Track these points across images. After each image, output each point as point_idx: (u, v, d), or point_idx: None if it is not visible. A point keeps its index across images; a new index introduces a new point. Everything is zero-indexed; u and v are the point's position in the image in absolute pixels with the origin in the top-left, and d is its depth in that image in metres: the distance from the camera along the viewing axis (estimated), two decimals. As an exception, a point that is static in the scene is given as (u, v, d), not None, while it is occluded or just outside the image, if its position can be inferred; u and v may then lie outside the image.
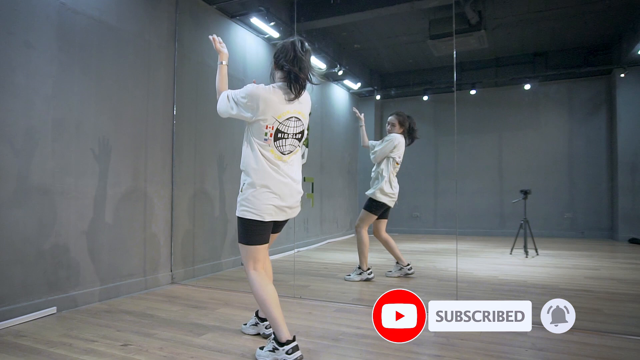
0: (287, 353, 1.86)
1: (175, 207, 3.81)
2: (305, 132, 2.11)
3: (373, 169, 4.01)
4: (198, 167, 4.13)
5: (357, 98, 7.74)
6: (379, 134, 4.21)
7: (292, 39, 2.03)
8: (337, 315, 2.77)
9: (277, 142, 2.00)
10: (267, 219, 2.01)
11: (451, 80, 6.07)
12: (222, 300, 3.17)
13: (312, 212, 6.19)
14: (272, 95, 1.97)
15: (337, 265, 4.52)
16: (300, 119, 2.05)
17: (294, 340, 1.90)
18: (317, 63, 6.10)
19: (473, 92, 6.90)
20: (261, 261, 2.09)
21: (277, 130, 1.98)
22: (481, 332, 2.38)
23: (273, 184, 2.00)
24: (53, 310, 2.77)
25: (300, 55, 1.97)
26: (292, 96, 1.99)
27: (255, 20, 4.69)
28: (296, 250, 5.58)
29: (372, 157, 3.99)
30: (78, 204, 2.97)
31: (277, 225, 2.19)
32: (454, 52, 4.30)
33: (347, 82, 6.98)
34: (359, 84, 7.09)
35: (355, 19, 5.14)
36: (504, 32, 6.07)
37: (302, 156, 5.96)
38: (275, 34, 5.07)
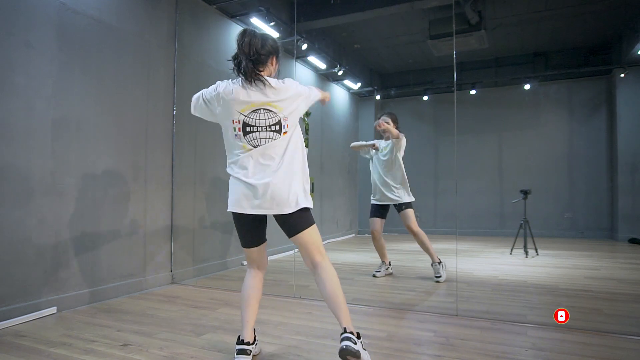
0: (235, 351, 1.95)
1: (175, 207, 3.81)
2: (286, 122, 1.94)
3: (394, 170, 3.97)
4: (198, 167, 4.13)
5: (357, 98, 7.74)
6: (379, 135, 4.19)
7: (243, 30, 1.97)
8: (337, 315, 2.77)
9: (248, 136, 1.93)
10: (231, 209, 1.96)
11: (451, 80, 6.05)
12: (222, 300, 3.17)
13: (312, 212, 6.18)
14: (231, 89, 1.96)
15: (337, 265, 4.52)
16: (271, 110, 1.93)
17: (243, 343, 1.95)
18: (317, 63, 6.11)
19: (473, 92, 6.90)
20: (254, 261, 2.09)
21: (245, 124, 1.93)
22: (481, 332, 2.38)
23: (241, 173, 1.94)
24: (53, 310, 2.77)
25: (239, 45, 1.93)
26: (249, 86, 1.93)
27: (255, 20, 4.69)
28: (296, 250, 5.58)
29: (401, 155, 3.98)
30: (78, 204, 2.97)
31: (257, 222, 2.01)
32: (454, 52, 4.28)
33: (347, 82, 6.98)
34: (359, 84, 7.09)
35: (355, 19, 5.14)
36: (504, 32, 6.07)
37: (302, 156, 5.99)
38: (275, 34, 5.06)
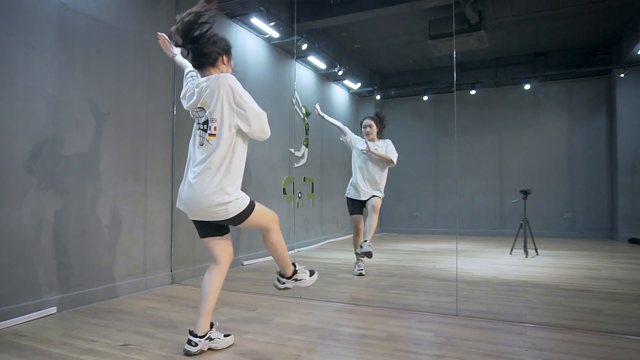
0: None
1: (175, 207, 3.81)
2: (214, 124, 1.96)
3: (377, 171, 4.06)
4: (198, 167, 4.13)
5: (357, 98, 7.74)
6: (380, 135, 4.24)
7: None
8: (337, 315, 2.77)
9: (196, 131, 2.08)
10: (177, 204, 2.13)
11: (451, 80, 6.07)
12: (222, 300, 3.17)
13: (312, 212, 6.19)
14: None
15: (337, 265, 4.52)
16: (203, 109, 2.01)
17: (191, 334, 2.04)
18: (317, 63, 6.10)
19: (473, 92, 6.90)
20: (210, 253, 2.16)
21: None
22: (481, 332, 2.39)
23: (185, 173, 2.09)
24: (53, 310, 2.77)
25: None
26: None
27: (255, 20, 4.69)
28: (296, 250, 5.58)
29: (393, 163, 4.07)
30: (78, 204, 2.97)
31: (204, 225, 2.12)
32: (454, 52, 4.29)
33: (347, 82, 6.97)
34: (359, 84, 7.09)
35: (355, 19, 5.14)
36: (504, 32, 6.07)
37: (302, 156, 5.99)
38: (275, 34, 5.07)
